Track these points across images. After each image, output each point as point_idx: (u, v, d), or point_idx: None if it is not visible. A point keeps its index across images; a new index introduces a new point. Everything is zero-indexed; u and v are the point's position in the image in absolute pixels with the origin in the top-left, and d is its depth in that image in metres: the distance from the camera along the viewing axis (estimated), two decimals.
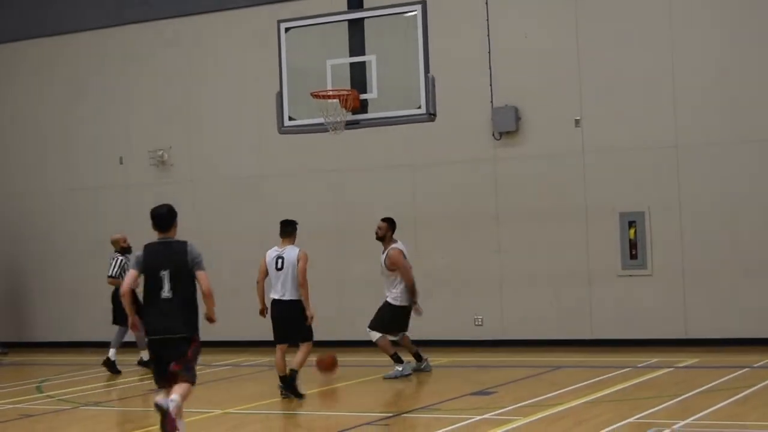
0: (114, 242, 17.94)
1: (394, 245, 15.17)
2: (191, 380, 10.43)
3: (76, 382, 16.52)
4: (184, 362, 10.40)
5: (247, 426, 12.22)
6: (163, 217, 10.67)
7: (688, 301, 17.35)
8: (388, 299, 15.25)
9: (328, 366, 13.95)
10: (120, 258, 17.68)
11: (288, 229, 13.90)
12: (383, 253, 15.24)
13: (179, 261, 10.51)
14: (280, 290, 13.60)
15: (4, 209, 22.58)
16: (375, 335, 15.21)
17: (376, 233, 15.31)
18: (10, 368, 19.57)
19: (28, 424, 12.69)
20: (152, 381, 15.36)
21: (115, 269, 17.62)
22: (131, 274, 10.69)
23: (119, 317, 17.58)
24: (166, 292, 10.47)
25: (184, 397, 10.26)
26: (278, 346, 13.71)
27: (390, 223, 15.32)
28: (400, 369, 15.02)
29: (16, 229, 22.42)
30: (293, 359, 13.56)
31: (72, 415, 13.26)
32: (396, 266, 15.08)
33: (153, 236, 10.58)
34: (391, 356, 15.13)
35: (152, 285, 10.51)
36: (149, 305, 10.58)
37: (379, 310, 15.33)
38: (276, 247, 13.80)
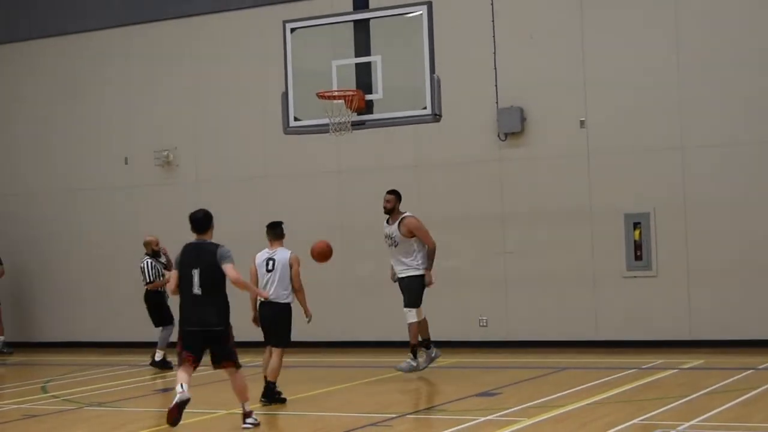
0: (146, 244, 17.92)
1: (405, 214, 15.08)
2: (238, 365, 11.82)
3: (81, 382, 16.52)
4: (228, 356, 11.75)
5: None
6: (200, 221, 11.96)
7: (693, 303, 17.33)
8: (410, 273, 15.05)
9: (323, 255, 13.79)
10: (150, 261, 17.70)
11: (277, 231, 13.51)
12: (393, 224, 15.07)
13: (209, 260, 11.67)
14: (268, 292, 13.27)
15: (10, 209, 22.60)
16: (413, 316, 14.95)
17: (385, 207, 15.14)
18: (15, 368, 19.57)
19: (32, 424, 12.70)
20: (158, 382, 15.39)
21: (151, 273, 17.64)
22: (173, 273, 11.93)
23: (157, 319, 17.67)
24: (195, 288, 11.68)
25: (243, 379, 11.87)
26: (268, 348, 13.54)
27: (397, 196, 15.18)
28: (415, 364, 15.00)
29: (21, 229, 22.44)
30: (268, 369, 13.31)
31: (76, 416, 13.27)
32: (416, 231, 14.96)
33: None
34: (413, 345, 14.99)
35: (185, 282, 11.73)
36: (183, 300, 11.81)
37: (408, 287, 15.05)
38: (266, 250, 13.44)
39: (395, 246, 15.13)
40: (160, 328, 17.77)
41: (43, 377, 17.13)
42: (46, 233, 22.21)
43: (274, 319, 13.29)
